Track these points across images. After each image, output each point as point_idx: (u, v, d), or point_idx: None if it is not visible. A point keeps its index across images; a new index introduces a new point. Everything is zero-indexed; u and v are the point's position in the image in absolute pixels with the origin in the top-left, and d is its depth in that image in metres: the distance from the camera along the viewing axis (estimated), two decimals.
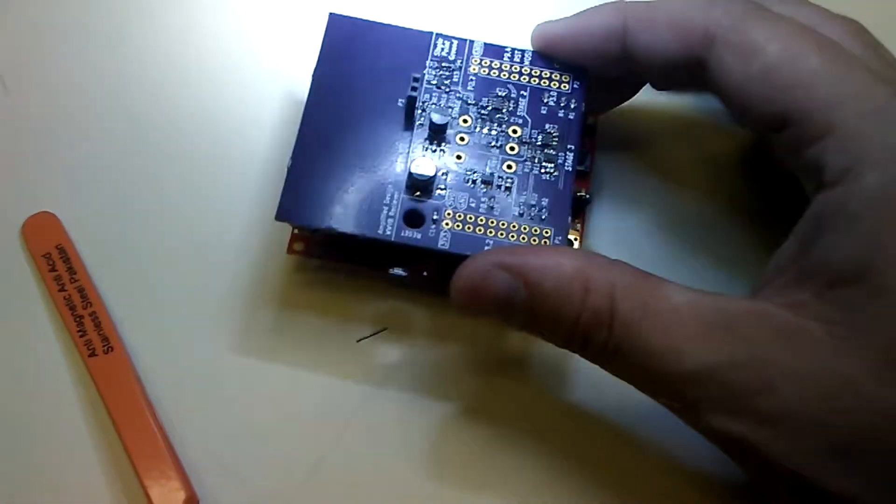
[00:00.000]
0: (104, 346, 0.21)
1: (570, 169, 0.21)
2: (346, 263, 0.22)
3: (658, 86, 0.22)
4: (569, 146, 0.22)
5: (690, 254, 0.23)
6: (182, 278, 0.23)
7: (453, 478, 0.21)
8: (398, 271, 0.22)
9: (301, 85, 0.22)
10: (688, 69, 0.20)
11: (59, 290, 0.22)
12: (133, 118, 0.24)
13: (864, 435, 0.16)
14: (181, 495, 0.20)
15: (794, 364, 0.16)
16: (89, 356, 0.21)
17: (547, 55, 0.22)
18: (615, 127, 0.24)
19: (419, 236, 0.20)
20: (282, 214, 0.20)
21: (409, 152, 0.21)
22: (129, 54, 0.25)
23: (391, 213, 0.21)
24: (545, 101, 0.22)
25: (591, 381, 0.22)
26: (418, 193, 0.21)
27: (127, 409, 0.20)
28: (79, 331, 0.21)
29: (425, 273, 0.21)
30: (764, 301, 0.17)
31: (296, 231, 0.22)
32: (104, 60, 0.25)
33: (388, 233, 0.20)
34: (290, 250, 0.22)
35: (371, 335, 0.22)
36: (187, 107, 0.25)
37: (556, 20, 0.22)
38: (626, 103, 0.24)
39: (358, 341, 0.22)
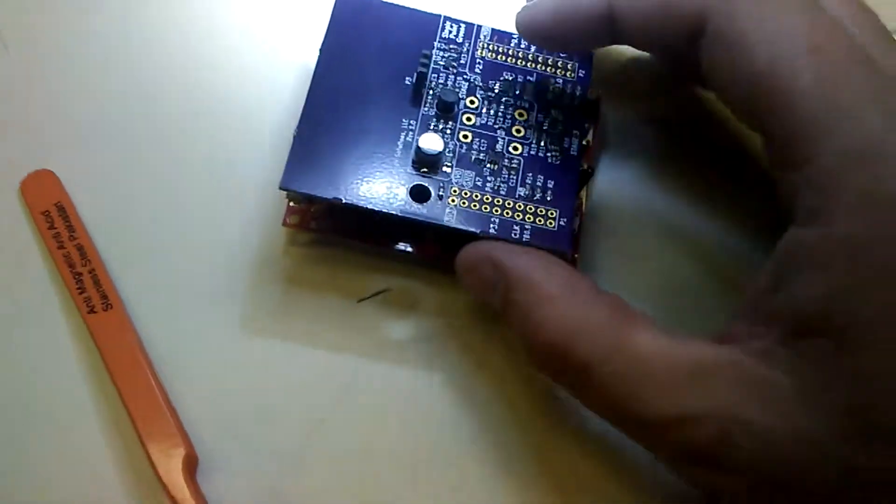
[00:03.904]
0: (103, 303, 0.21)
1: (576, 153, 0.22)
2: (342, 237, 0.22)
3: (661, 67, 0.22)
4: (574, 131, 0.22)
5: (692, 222, 0.23)
6: (179, 240, 0.22)
7: (448, 447, 0.21)
8: (404, 246, 0.21)
9: (312, 58, 0.22)
10: (681, 53, 0.19)
11: (58, 248, 0.21)
12: (136, 80, 0.24)
13: (821, 492, 0.15)
14: (181, 452, 0.19)
15: (757, 419, 0.16)
16: (88, 313, 0.21)
17: (532, 43, 0.22)
18: (619, 101, 0.24)
19: (425, 211, 0.20)
20: (287, 182, 0.20)
21: (416, 129, 0.21)
22: (135, 16, 0.25)
23: (397, 188, 0.20)
24: (551, 87, 0.22)
25: None
26: (425, 169, 0.21)
27: (126, 366, 0.20)
28: (78, 288, 0.21)
29: (427, 249, 0.21)
30: (735, 349, 0.17)
31: (291, 204, 0.22)
32: (108, 19, 0.25)
33: (395, 206, 0.20)
34: (285, 223, 0.22)
35: (372, 295, 0.22)
36: (191, 72, 0.24)
37: (539, 3, 0.21)
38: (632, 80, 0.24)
39: (359, 301, 0.22)
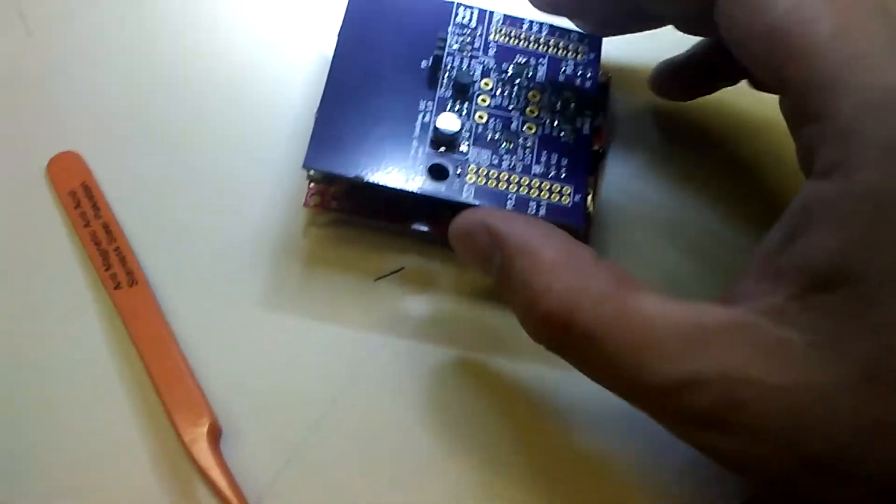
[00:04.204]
0: (129, 279, 0.21)
1: (588, 133, 0.22)
2: (363, 217, 0.22)
3: (680, 29, 0.22)
4: (586, 111, 0.22)
5: (700, 202, 0.24)
6: (202, 219, 0.23)
7: (462, 424, 0.21)
8: (420, 226, 0.22)
9: (330, 44, 0.23)
10: (702, 13, 0.19)
11: (85, 226, 0.22)
12: (160, 63, 0.24)
13: (836, 449, 0.15)
14: (205, 422, 0.20)
15: (766, 377, 0.15)
16: (114, 289, 0.21)
17: (551, 13, 0.23)
18: (629, 82, 0.25)
19: (443, 189, 0.21)
20: (310, 161, 0.21)
21: (433, 110, 0.22)
22: (159, 0, 0.25)
23: (416, 166, 0.21)
24: (562, 69, 0.23)
25: None
26: (443, 149, 0.21)
27: (151, 340, 0.20)
28: (104, 265, 0.21)
29: (445, 228, 0.22)
30: (743, 309, 0.16)
31: (312, 185, 0.22)
32: (131, 2, 0.25)
33: (414, 185, 0.21)
34: (307, 203, 0.22)
35: (389, 274, 0.22)
36: (215, 56, 0.25)
37: None
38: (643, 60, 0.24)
39: (376, 280, 0.22)
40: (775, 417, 0.15)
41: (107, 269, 0.21)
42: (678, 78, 0.24)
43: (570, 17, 0.23)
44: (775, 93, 0.18)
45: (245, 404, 0.21)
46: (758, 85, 0.21)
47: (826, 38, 0.16)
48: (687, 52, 0.23)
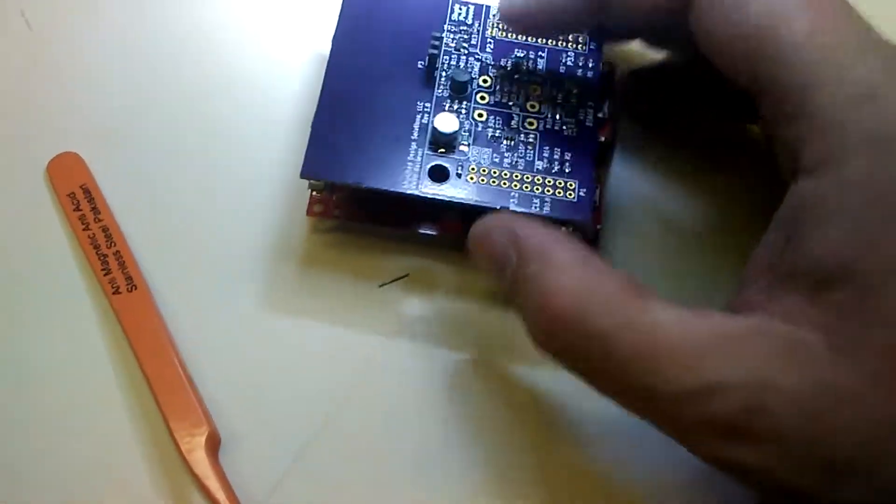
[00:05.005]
0: (128, 284, 0.21)
1: (592, 125, 0.22)
2: (365, 223, 0.22)
3: (648, 41, 0.22)
4: (589, 103, 0.22)
5: (707, 191, 0.23)
6: (203, 224, 0.23)
7: (465, 427, 0.21)
8: (425, 229, 0.22)
9: (327, 46, 0.22)
10: (670, 26, 0.19)
11: (84, 229, 0.22)
12: (161, 65, 0.24)
13: (865, 448, 0.15)
14: (204, 431, 0.19)
15: (788, 384, 0.15)
16: (113, 294, 0.21)
17: (516, 31, 0.22)
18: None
19: (445, 190, 0.20)
20: (307, 171, 0.20)
21: (430, 111, 0.21)
22: (158, 2, 0.25)
23: (416, 169, 0.21)
24: (563, 60, 0.22)
25: None
26: (442, 150, 0.21)
27: (150, 346, 0.20)
28: (103, 269, 0.21)
29: (449, 228, 0.22)
30: (757, 316, 0.16)
31: (314, 193, 0.22)
32: (131, 2, 0.25)
33: (414, 187, 0.20)
34: (309, 212, 0.22)
35: (393, 280, 0.22)
36: (214, 58, 0.25)
37: None
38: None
39: (380, 286, 0.22)
40: (799, 422, 0.15)
41: (106, 274, 0.21)
42: (646, 92, 0.23)
43: (540, 37, 0.23)
44: (754, 96, 0.18)
45: (245, 413, 0.21)
46: (731, 105, 0.21)
47: (801, 36, 0.16)
48: (657, 62, 0.23)
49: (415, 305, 0.22)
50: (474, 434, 0.21)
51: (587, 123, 0.22)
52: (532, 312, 0.17)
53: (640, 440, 0.20)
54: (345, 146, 0.21)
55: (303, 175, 0.20)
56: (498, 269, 0.18)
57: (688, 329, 0.16)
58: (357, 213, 0.22)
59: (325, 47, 0.22)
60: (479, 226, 0.19)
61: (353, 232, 0.23)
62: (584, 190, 0.21)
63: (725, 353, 0.16)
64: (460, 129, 0.21)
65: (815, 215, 0.16)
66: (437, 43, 0.22)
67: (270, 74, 0.25)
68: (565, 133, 0.21)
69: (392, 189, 0.20)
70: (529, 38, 0.23)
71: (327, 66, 0.22)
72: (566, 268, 0.17)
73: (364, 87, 0.22)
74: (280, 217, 0.23)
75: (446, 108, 0.22)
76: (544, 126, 0.22)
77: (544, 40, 0.23)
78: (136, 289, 0.21)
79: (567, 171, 0.21)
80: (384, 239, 0.22)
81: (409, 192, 0.20)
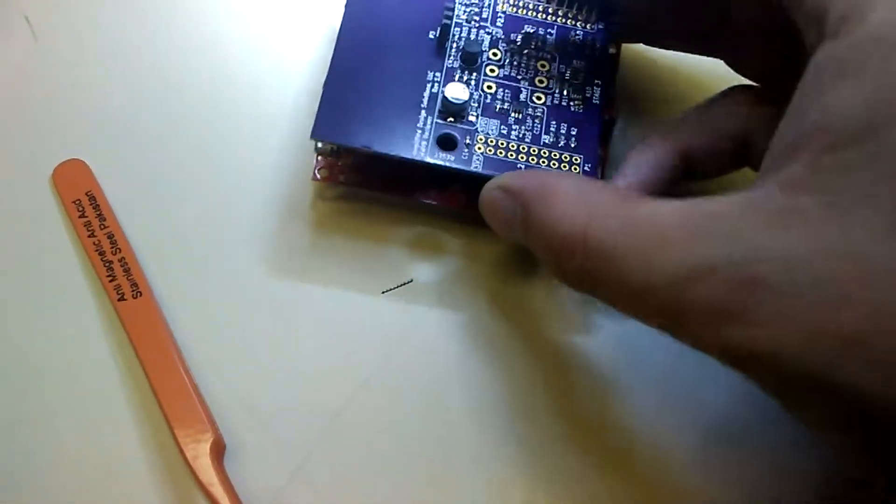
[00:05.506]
0: (133, 291, 0.21)
1: (598, 102, 0.22)
2: (370, 190, 0.22)
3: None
4: (596, 81, 0.22)
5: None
6: (208, 230, 0.22)
7: (470, 426, 0.21)
8: (429, 199, 0.22)
9: (337, 17, 0.22)
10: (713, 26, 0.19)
11: (89, 236, 0.21)
12: (167, 70, 0.24)
13: (880, 313, 0.13)
14: (209, 437, 0.19)
15: (785, 251, 0.14)
16: (119, 300, 0.21)
17: None
18: (639, 53, 0.25)
19: (452, 158, 0.21)
20: (318, 132, 0.21)
21: (441, 80, 0.22)
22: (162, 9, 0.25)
23: (424, 136, 0.21)
24: (572, 38, 0.23)
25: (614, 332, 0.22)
26: (451, 119, 0.21)
27: (155, 353, 0.20)
28: (108, 275, 0.21)
29: (454, 199, 0.22)
30: (750, 190, 0.15)
31: (320, 158, 0.22)
32: (133, 4, 0.25)
33: (423, 154, 0.21)
34: (315, 177, 0.22)
35: (397, 287, 0.22)
36: (220, 56, 0.25)
37: None
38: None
39: (383, 293, 0.22)
40: (801, 291, 0.14)
41: (111, 280, 0.21)
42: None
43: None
44: None
45: (249, 419, 0.20)
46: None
47: None
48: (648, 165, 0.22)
49: (420, 271, 0.22)
50: (478, 438, 0.21)
51: (594, 101, 0.22)
52: (546, 251, 0.18)
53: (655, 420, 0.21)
54: (355, 111, 0.21)
55: (313, 136, 0.21)
56: (509, 228, 0.19)
57: (676, 214, 0.16)
58: (362, 180, 0.22)
59: (336, 18, 0.22)
60: (481, 196, 0.20)
61: (358, 200, 0.23)
62: (589, 165, 0.21)
63: (713, 232, 0.15)
64: (470, 99, 0.21)
65: (832, 77, 0.15)
66: (449, 13, 0.22)
67: (278, 54, 0.25)
68: (572, 109, 0.22)
69: (400, 154, 0.20)
70: (539, 15, 0.23)
71: (339, 33, 0.22)
72: (564, 196, 0.17)
73: (375, 55, 0.22)
74: (285, 224, 0.22)
75: (456, 78, 0.22)
76: (552, 101, 0.22)
77: (553, 17, 0.23)
78: (141, 295, 0.21)
79: (573, 145, 0.21)
80: (388, 207, 0.23)
81: (416, 158, 0.21)
